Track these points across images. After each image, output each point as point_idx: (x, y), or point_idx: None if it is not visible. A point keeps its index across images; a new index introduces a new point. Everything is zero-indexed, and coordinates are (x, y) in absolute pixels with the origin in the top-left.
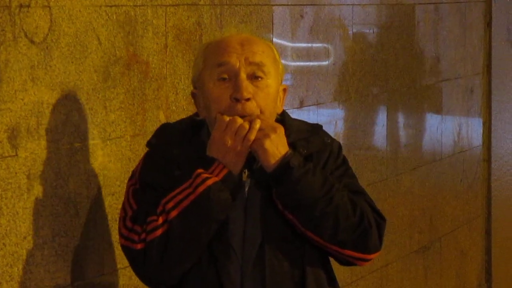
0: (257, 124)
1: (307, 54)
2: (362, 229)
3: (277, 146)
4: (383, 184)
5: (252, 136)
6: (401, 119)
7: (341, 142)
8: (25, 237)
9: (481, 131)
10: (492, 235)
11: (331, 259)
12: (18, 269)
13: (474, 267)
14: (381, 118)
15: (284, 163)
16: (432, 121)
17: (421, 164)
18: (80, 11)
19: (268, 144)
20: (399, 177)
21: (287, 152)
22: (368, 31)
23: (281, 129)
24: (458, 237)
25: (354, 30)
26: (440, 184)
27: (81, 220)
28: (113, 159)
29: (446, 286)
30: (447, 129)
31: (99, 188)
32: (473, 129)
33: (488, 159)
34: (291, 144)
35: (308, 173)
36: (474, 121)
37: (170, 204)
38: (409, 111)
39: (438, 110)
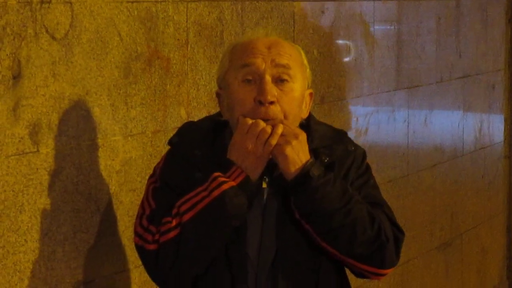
0: (280, 129)
1: (328, 50)
2: (378, 244)
3: (298, 153)
4: (404, 180)
5: (274, 141)
6: (422, 115)
7: (362, 138)
8: (46, 233)
9: (503, 127)
10: None
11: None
12: (39, 265)
13: (495, 263)
14: (403, 114)
15: (304, 171)
16: (453, 117)
17: (442, 161)
18: (101, 7)
19: (289, 150)
20: (420, 174)
21: (308, 161)
22: (389, 27)
23: (303, 136)
24: (479, 234)
25: (376, 26)
26: (461, 180)
27: (102, 216)
28: (134, 155)
29: (467, 282)
30: (469, 126)
31: (120, 185)
32: (495, 126)
33: (509, 156)
34: (313, 151)
35: (327, 183)
36: (495, 118)
37: (185, 207)
38: (431, 108)
39: (459, 107)
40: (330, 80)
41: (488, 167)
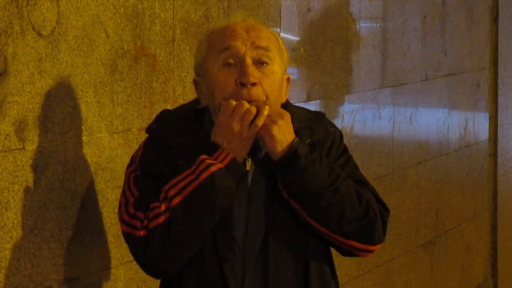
0: (266, 111)
1: (314, 48)
2: (367, 220)
3: (284, 133)
4: (390, 178)
5: (260, 122)
6: (407, 113)
7: (348, 136)
8: (32, 230)
9: (488, 125)
10: (498, 230)
11: (333, 251)
12: (25, 263)
13: (480, 261)
14: (388, 112)
15: (292, 150)
16: (438, 115)
17: (427, 159)
18: (87, 4)
19: (275, 130)
20: (405, 171)
21: (294, 140)
22: (375, 24)
23: (288, 116)
24: (464, 232)
25: (361, 24)
26: (446, 178)
27: (88, 213)
28: (120, 152)
29: (451, 280)
30: (454, 124)
31: (106, 182)
32: (480, 124)
33: (494, 154)
34: (294, 133)
35: (315, 162)
36: (480, 116)
37: (173, 191)
38: (416, 105)
39: (444, 105)
40: (316, 78)
41: (473, 165)
